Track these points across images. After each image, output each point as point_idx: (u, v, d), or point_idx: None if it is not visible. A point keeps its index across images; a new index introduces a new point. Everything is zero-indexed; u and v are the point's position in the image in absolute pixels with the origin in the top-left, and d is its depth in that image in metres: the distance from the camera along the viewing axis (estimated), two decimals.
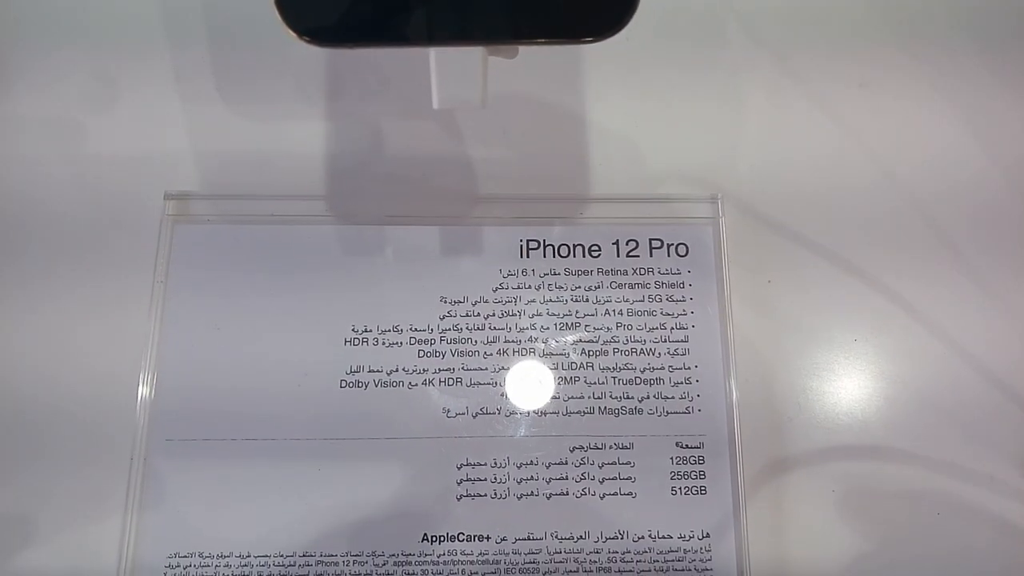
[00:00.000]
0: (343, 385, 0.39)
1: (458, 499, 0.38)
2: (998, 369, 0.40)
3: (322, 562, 0.37)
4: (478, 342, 0.40)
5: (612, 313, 0.40)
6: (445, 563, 0.37)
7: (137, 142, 0.43)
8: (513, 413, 0.39)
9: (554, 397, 0.39)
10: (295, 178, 0.42)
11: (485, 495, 0.38)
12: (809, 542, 0.38)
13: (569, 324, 0.40)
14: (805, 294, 0.41)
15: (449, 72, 0.29)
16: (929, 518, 0.38)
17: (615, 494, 0.38)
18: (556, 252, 0.41)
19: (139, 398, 0.38)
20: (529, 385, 0.39)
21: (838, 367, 0.40)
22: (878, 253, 0.42)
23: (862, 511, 0.38)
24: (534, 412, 0.39)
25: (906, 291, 0.41)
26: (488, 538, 0.37)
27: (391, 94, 0.43)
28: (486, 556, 0.37)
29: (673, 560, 0.37)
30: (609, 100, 0.44)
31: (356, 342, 0.39)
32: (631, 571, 0.37)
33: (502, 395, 0.39)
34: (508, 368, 0.39)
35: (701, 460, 0.38)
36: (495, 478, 0.38)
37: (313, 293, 0.40)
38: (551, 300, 0.40)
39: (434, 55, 0.29)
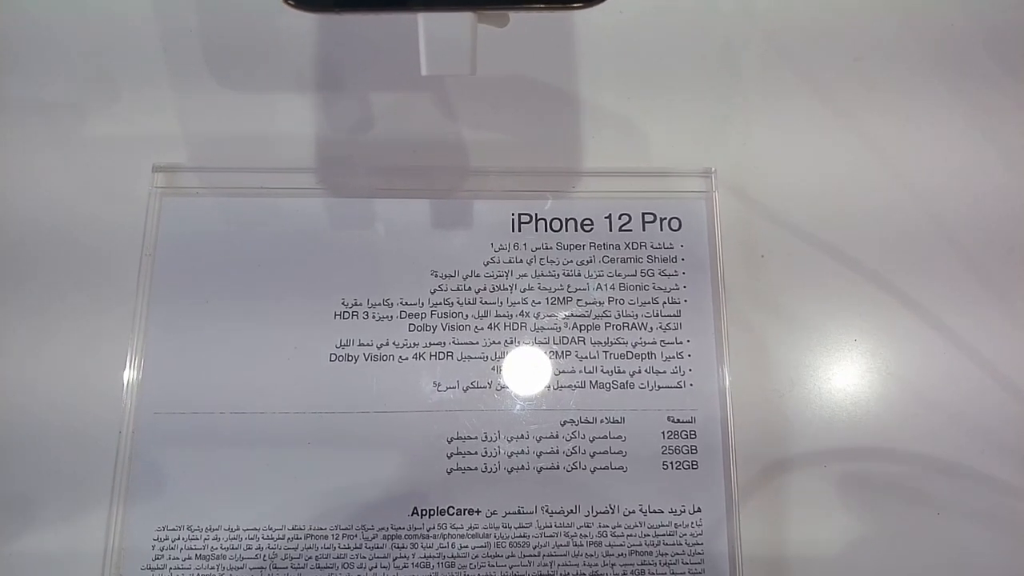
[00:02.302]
0: (333, 359, 0.39)
1: (448, 473, 0.37)
2: (990, 354, 0.40)
3: (311, 536, 0.37)
4: (469, 316, 0.39)
5: (604, 287, 0.40)
6: (435, 537, 0.37)
7: (126, 115, 0.42)
8: (504, 387, 0.38)
9: (545, 371, 0.39)
10: (284, 151, 0.42)
11: (476, 469, 0.37)
12: (801, 518, 0.38)
13: (561, 299, 0.39)
14: (799, 270, 0.41)
15: (438, 38, 0.29)
16: (922, 493, 0.38)
17: (606, 468, 0.37)
18: (548, 226, 0.40)
19: (126, 372, 0.38)
20: (520, 359, 0.39)
21: (831, 342, 0.40)
22: (874, 231, 0.41)
23: (854, 487, 0.38)
24: (525, 386, 0.38)
25: (901, 272, 0.41)
26: (478, 512, 0.37)
27: (380, 65, 0.43)
28: (476, 530, 0.37)
29: (664, 535, 0.37)
30: (602, 72, 0.43)
31: (346, 316, 0.39)
32: (621, 545, 0.37)
33: (493, 369, 0.39)
34: (499, 342, 0.39)
35: (693, 435, 0.38)
36: (486, 452, 0.38)
37: (302, 266, 0.40)
38: (543, 274, 0.40)
39: (423, 20, 0.28)
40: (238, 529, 0.37)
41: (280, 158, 0.41)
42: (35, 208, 0.41)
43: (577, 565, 0.37)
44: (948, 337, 0.40)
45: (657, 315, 0.39)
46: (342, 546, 0.37)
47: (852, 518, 0.38)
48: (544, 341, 0.39)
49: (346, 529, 0.37)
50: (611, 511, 0.37)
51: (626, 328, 0.39)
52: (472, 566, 0.37)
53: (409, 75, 0.42)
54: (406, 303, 0.39)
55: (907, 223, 0.41)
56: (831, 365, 0.40)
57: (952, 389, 0.39)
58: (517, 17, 0.32)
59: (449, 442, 0.38)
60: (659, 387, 0.38)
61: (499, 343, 0.39)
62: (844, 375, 0.40)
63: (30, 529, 0.37)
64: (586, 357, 0.39)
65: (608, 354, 0.39)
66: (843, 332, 0.40)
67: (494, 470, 0.37)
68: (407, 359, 0.39)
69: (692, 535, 0.37)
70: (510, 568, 0.37)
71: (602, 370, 0.39)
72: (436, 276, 0.40)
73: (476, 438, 0.38)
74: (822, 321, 0.40)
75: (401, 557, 0.37)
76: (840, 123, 0.43)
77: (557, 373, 0.39)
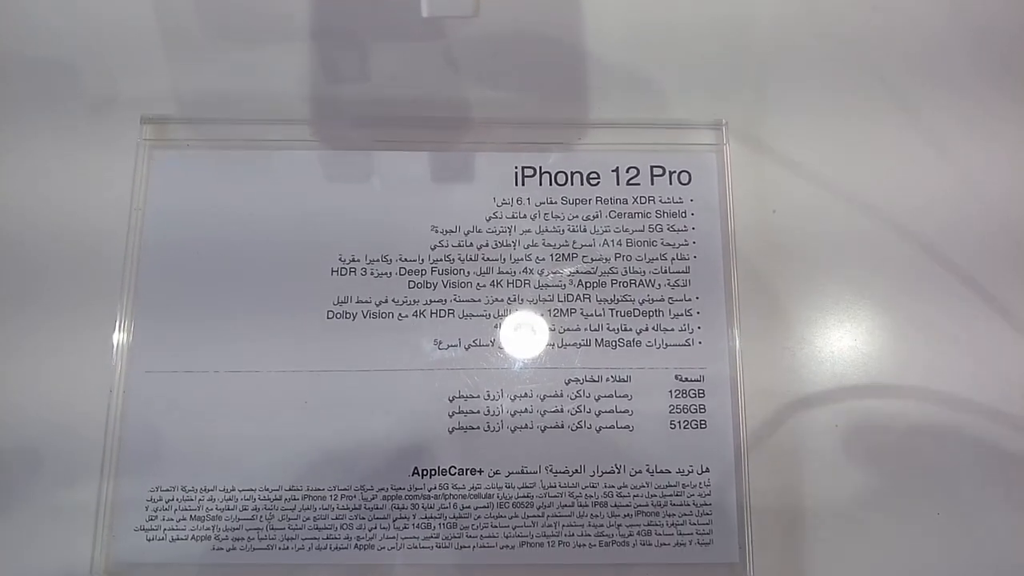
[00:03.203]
0: (330, 316, 0.37)
1: (450, 432, 0.36)
2: (1006, 298, 0.39)
3: (309, 496, 0.36)
4: (470, 273, 0.38)
5: (611, 243, 0.38)
6: (436, 497, 0.36)
7: (113, 63, 0.41)
8: (507, 345, 0.37)
9: (550, 329, 0.37)
10: (278, 101, 0.40)
11: (478, 428, 0.36)
12: (812, 479, 0.37)
13: (566, 255, 0.38)
14: (811, 225, 0.39)
15: None
16: (934, 450, 0.37)
17: (612, 427, 0.37)
18: (553, 180, 0.39)
19: (116, 329, 0.37)
20: (523, 317, 0.38)
21: (843, 300, 0.39)
22: (891, 184, 0.40)
23: (866, 446, 0.37)
24: (528, 344, 0.37)
25: (918, 226, 0.40)
26: (481, 472, 0.36)
27: (378, 10, 0.41)
28: (479, 490, 0.36)
29: (671, 495, 0.36)
30: (610, 19, 0.42)
31: (343, 272, 0.38)
32: (628, 506, 0.36)
33: (495, 327, 0.37)
34: (502, 300, 0.38)
35: (701, 394, 0.37)
36: (488, 411, 0.37)
37: (298, 222, 0.38)
38: (547, 230, 0.39)
39: None
40: (233, 490, 0.36)
41: (274, 109, 0.40)
42: (19, 168, 0.39)
43: (582, 526, 0.36)
44: (969, 292, 0.39)
45: (665, 271, 0.38)
46: (340, 507, 0.36)
47: (863, 478, 0.37)
48: (548, 298, 0.38)
49: (344, 490, 0.36)
50: (617, 471, 0.36)
51: (633, 285, 0.38)
52: (475, 527, 0.36)
53: (408, 20, 0.41)
54: (405, 259, 0.38)
55: (927, 177, 0.40)
56: (843, 322, 0.39)
57: (969, 344, 0.38)
58: None
59: (451, 401, 0.37)
60: (667, 345, 0.37)
61: (502, 300, 0.38)
62: (856, 332, 0.39)
63: (21, 495, 0.36)
64: (591, 315, 0.38)
65: (614, 311, 0.38)
66: (855, 289, 0.39)
67: (497, 429, 0.36)
68: (407, 317, 0.38)
69: (700, 495, 0.36)
70: (513, 529, 0.36)
71: (608, 328, 0.37)
72: (436, 231, 0.38)
73: (478, 397, 0.37)
74: (834, 278, 0.39)
75: (401, 518, 0.36)
76: (857, 75, 0.41)
77: (561, 331, 0.37)
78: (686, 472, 0.36)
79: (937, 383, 0.38)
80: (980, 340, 0.38)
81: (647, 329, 0.37)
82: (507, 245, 0.38)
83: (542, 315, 0.38)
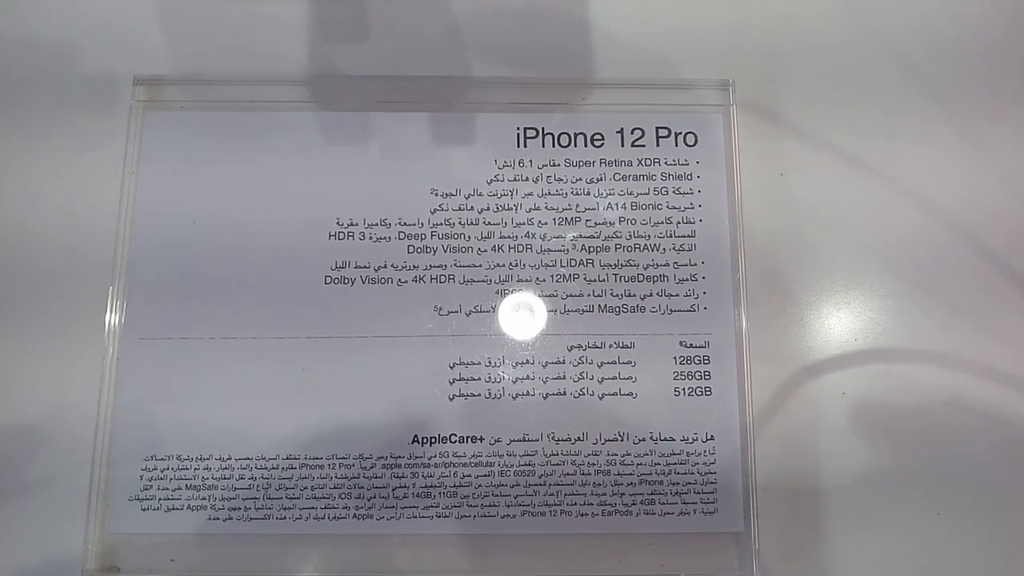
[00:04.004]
0: (328, 281, 0.37)
1: (451, 399, 0.36)
2: (1014, 257, 0.38)
3: (307, 465, 0.35)
4: (471, 237, 0.37)
5: (615, 207, 0.37)
6: (436, 465, 0.35)
7: (104, 20, 0.39)
8: (509, 311, 0.36)
9: (552, 295, 0.37)
10: (275, 61, 0.39)
11: (479, 395, 0.36)
12: (818, 447, 0.36)
13: (569, 219, 0.37)
14: (820, 189, 0.38)
15: None
16: (944, 422, 0.37)
17: (615, 394, 0.36)
18: (556, 141, 0.38)
19: (110, 296, 0.36)
20: (525, 282, 0.37)
21: (852, 265, 0.38)
22: (898, 143, 0.39)
23: (873, 414, 0.37)
24: (531, 310, 0.36)
25: (926, 184, 0.39)
26: (482, 439, 0.35)
27: None
28: (480, 458, 0.35)
29: (675, 463, 0.35)
30: None
31: (341, 236, 0.37)
32: (631, 474, 0.35)
33: (497, 293, 0.37)
34: (503, 265, 0.37)
35: (706, 360, 0.36)
36: (489, 378, 0.36)
37: (295, 185, 0.37)
38: (550, 193, 0.38)
39: None
40: (230, 459, 0.35)
41: (270, 69, 0.39)
42: (9, 116, 0.38)
43: (584, 495, 0.35)
44: (983, 260, 0.38)
45: (671, 236, 0.37)
46: (339, 475, 0.35)
47: (870, 446, 0.36)
48: (551, 263, 0.37)
49: (343, 458, 0.35)
50: (620, 439, 0.36)
51: (637, 250, 0.37)
52: (475, 496, 0.35)
53: None
54: (405, 223, 0.37)
55: (936, 141, 0.39)
56: (851, 288, 0.38)
57: (980, 309, 0.37)
58: None
59: (451, 368, 0.36)
60: (671, 311, 0.36)
61: (503, 265, 0.37)
62: (864, 299, 0.38)
63: (16, 462, 0.35)
64: (595, 280, 0.37)
65: (618, 277, 0.37)
66: (865, 255, 0.38)
67: (498, 396, 0.36)
68: (406, 282, 0.37)
69: (705, 464, 0.35)
70: (515, 498, 0.35)
71: (612, 293, 0.37)
72: (436, 195, 0.37)
73: (479, 363, 0.36)
74: (842, 243, 0.38)
75: (401, 487, 0.35)
76: (866, 33, 0.40)
77: (564, 296, 0.37)
78: (690, 440, 0.36)
79: (948, 350, 0.37)
80: (993, 308, 0.38)
81: (651, 295, 0.37)
82: (509, 209, 0.37)
83: (544, 280, 0.37)
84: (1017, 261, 0.38)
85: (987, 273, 0.38)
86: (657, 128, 0.38)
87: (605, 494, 0.35)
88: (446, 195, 0.37)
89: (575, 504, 0.35)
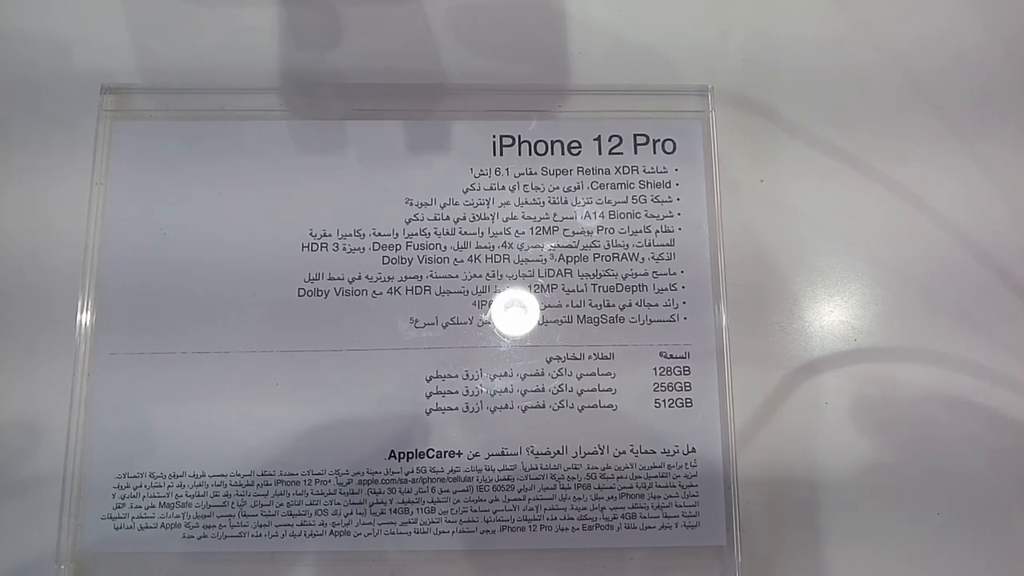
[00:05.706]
0: (301, 294, 0.36)
1: (427, 413, 0.35)
2: (1004, 259, 0.38)
3: (282, 481, 0.35)
4: (447, 248, 0.37)
5: (593, 216, 0.37)
6: (414, 481, 0.35)
7: (71, 29, 0.39)
8: (486, 323, 0.36)
9: (530, 306, 0.36)
10: (246, 69, 0.39)
11: (456, 409, 0.35)
12: (802, 458, 0.36)
13: (546, 228, 0.37)
14: (800, 195, 0.38)
15: None
16: (928, 424, 0.36)
17: (595, 407, 0.35)
18: (532, 149, 0.38)
19: (79, 310, 0.35)
20: (503, 293, 0.36)
21: (833, 273, 0.38)
22: (882, 147, 0.39)
23: (857, 424, 0.36)
24: (508, 322, 0.36)
25: (910, 185, 0.38)
26: (460, 454, 0.35)
27: None
28: (458, 473, 0.35)
29: (656, 476, 0.35)
30: None
31: (315, 247, 0.36)
32: (612, 488, 0.35)
33: (474, 304, 0.36)
34: (480, 275, 0.36)
35: (687, 371, 0.36)
36: (467, 391, 0.35)
37: (267, 195, 0.37)
38: (527, 202, 0.37)
39: None
40: (203, 475, 0.35)
41: (242, 77, 0.38)
42: None
43: (565, 509, 0.35)
44: (965, 252, 0.38)
45: (649, 244, 0.37)
46: (315, 492, 0.35)
47: (853, 456, 0.36)
48: (528, 273, 0.36)
49: (319, 474, 0.35)
50: (600, 452, 0.35)
51: (616, 259, 0.37)
52: (454, 511, 0.35)
53: None
54: (379, 234, 0.37)
55: (921, 141, 0.39)
56: (832, 296, 0.37)
57: (964, 304, 0.37)
58: None
59: (428, 381, 0.35)
60: (651, 321, 0.36)
61: (480, 276, 0.36)
62: (846, 306, 0.37)
63: None
64: (573, 290, 0.36)
65: (597, 287, 0.36)
66: (846, 262, 0.38)
67: (476, 410, 0.35)
68: (381, 294, 0.36)
69: (687, 476, 0.35)
70: (494, 513, 0.35)
71: (590, 303, 0.36)
72: (411, 204, 0.37)
73: (457, 376, 0.35)
74: (823, 250, 0.38)
75: (379, 503, 0.35)
76: (848, 37, 0.40)
77: (542, 307, 0.36)
78: (671, 452, 0.35)
79: (934, 357, 0.37)
80: (984, 310, 0.37)
81: (630, 304, 0.36)
82: (485, 218, 0.37)
83: (522, 291, 0.36)
84: (1006, 262, 0.38)
85: (973, 278, 0.38)
86: (635, 135, 0.38)
87: (586, 508, 0.35)
88: (421, 204, 0.37)
89: (555, 519, 0.35)
